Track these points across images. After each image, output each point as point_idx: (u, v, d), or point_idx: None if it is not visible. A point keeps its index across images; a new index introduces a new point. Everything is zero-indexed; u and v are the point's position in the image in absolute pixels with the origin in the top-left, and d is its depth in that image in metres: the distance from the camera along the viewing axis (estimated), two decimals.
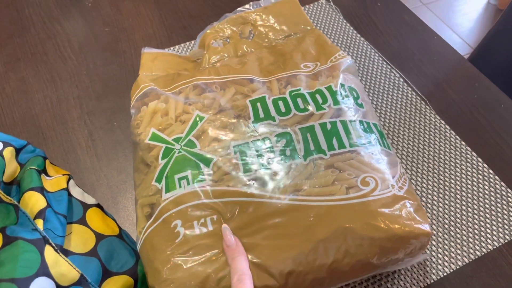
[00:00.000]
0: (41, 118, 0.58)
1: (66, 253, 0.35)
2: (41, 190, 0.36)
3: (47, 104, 0.60)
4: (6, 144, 0.38)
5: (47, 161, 0.42)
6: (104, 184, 0.53)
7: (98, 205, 0.42)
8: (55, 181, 0.39)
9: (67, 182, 0.40)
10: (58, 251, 0.33)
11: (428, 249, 0.47)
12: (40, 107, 0.59)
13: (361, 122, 0.45)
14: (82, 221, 0.37)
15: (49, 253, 0.33)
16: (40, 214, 0.34)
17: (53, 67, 0.64)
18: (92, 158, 0.55)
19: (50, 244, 0.33)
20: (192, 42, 0.67)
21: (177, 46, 0.66)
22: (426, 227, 0.40)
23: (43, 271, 0.32)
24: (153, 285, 0.38)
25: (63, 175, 0.41)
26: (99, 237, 0.37)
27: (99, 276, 0.36)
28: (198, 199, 0.41)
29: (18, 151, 0.40)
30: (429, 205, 0.50)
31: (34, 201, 0.35)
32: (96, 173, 0.53)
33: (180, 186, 0.42)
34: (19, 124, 0.57)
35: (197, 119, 0.46)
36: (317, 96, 0.46)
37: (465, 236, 0.48)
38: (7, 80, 0.62)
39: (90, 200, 0.41)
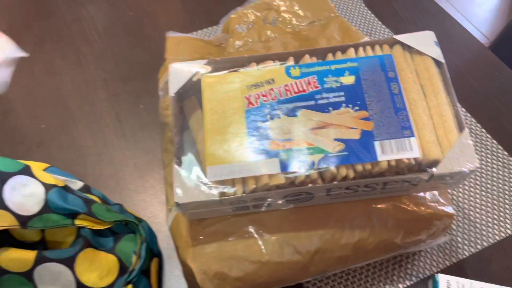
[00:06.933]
0: (69, 100, 0.60)
1: None
2: None
3: (74, 86, 0.61)
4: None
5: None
6: (132, 163, 0.54)
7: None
8: None
9: None
10: None
11: (448, 232, 0.48)
12: (68, 89, 0.61)
13: None
14: None
15: None
16: None
17: (79, 49, 0.65)
18: (119, 139, 0.56)
19: None
20: (215, 27, 0.68)
21: (199, 31, 0.67)
22: (449, 209, 0.41)
23: None
24: (185, 259, 0.40)
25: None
26: None
27: None
28: None
29: None
30: (449, 191, 0.51)
31: None
32: (124, 153, 0.55)
33: None
34: (49, 105, 0.59)
35: None
36: None
37: (484, 220, 0.49)
38: (35, 62, 0.63)
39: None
